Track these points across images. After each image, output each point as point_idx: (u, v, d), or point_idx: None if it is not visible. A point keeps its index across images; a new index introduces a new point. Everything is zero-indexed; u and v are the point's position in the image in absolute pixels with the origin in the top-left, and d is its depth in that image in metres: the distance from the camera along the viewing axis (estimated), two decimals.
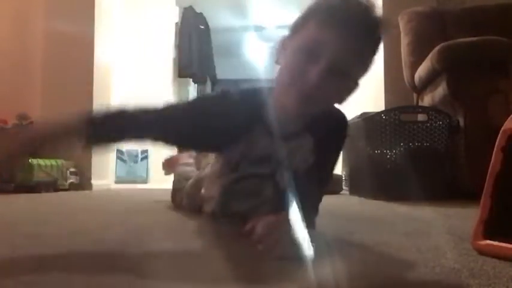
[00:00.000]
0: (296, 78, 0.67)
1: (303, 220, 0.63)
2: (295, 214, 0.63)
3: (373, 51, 0.72)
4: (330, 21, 0.65)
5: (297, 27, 0.71)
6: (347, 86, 0.71)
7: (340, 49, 0.64)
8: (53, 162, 2.52)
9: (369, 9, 0.68)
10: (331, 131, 0.78)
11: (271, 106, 0.74)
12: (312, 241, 0.57)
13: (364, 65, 0.71)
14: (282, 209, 0.66)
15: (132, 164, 3.86)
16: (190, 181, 1.19)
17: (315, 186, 0.76)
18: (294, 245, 0.56)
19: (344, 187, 2.47)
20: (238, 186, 0.82)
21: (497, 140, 0.61)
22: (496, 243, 0.59)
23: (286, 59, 0.71)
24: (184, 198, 1.22)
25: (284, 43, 0.73)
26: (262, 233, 0.58)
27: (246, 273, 0.51)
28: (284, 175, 0.78)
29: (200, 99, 0.87)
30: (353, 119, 2.22)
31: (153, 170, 3.73)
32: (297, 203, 0.69)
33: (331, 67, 0.64)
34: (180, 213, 1.21)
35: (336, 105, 0.77)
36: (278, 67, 0.73)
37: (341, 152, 0.86)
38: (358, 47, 0.66)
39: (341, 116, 0.81)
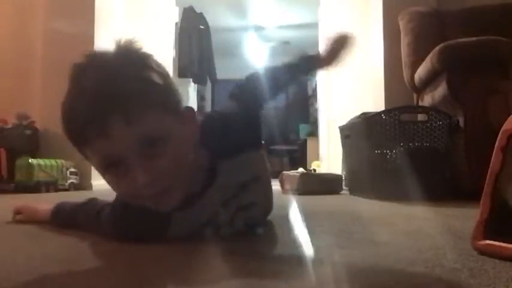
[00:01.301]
0: (136, 195, 0.59)
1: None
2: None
3: (157, 96, 0.60)
4: (85, 134, 0.58)
5: (82, 153, 0.63)
6: (173, 135, 0.59)
7: (121, 138, 0.55)
8: (53, 162, 2.52)
9: (106, 74, 0.59)
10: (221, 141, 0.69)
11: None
12: None
13: (156, 111, 0.58)
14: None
15: None
16: None
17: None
18: None
19: (344, 187, 2.48)
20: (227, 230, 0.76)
21: (497, 140, 0.61)
22: (496, 243, 0.59)
23: (109, 185, 0.61)
24: None
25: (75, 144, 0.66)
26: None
27: (245, 273, 0.51)
28: (252, 189, 0.75)
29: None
30: (353, 119, 2.22)
31: None
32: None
33: (137, 155, 0.56)
34: None
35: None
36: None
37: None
38: (131, 116, 0.55)
39: (215, 124, 0.72)
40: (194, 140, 0.65)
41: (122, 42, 0.65)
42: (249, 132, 0.74)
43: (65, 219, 0.92)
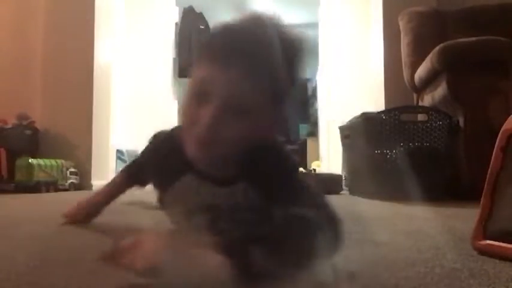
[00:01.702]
0: (190, 125, 0.60)
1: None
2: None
3: (284, 77, 0.60)
4: (217, 55, 0.58)
5: (192, 72, 0.64)
6: (259, 121, 0.60)
7: (232, 82, 0.56)
8: (53, 162, 2.52)
9: (269, 32, 0.59)
10: (272, 177, 0.65)
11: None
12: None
13: (274, 94, 0.60)
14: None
15: None
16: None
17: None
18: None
19: (344, 187, 2.48)
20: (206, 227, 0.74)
21: (497, 140, 0.61)
22: (496, 243, 0.59)
23: (182, 107, 0.64)
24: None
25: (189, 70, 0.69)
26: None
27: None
28: (247, 219, 0.69)
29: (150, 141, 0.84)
30: (353, 119, 2.22)
31: None
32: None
33: (225, 105, 0.57)
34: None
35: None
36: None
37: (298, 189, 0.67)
38: (255, 77, 0.57)
39: (283, 156, 0.69)
40: (266, 136, 0.65)
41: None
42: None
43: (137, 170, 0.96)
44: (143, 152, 0.89)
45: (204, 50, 0.63)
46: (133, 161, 1.08)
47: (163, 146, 0.75)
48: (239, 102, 0.58)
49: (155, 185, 0.77)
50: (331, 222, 0.59)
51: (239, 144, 0.61)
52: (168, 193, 0.73)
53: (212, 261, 0.47)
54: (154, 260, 0.45)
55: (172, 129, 0.77)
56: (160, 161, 0.73)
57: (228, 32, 0.62)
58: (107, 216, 1.26)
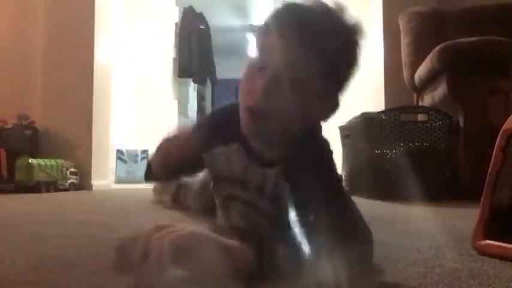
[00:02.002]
0: (246, 95, 0.62)
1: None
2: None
3: (342, 59, 0.63)
4: (276, 26, 0.60)
5: (255, 49, 0.66)
6: (312, 100, 0.61)
7: (288, 53, 0.57)
8: (53, 162, 2.52)
9: (331, 13, 0.62)
10: (311, 160, 0.65)
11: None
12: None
13: (330, 75, 0.61)
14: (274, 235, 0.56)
15: (132, 164, 3.87)
16: (199, 180, 1.15)
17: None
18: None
19: (344, 187, 2.47)
20: (225, 204, 0.78)
21: (497, 140, 0.61)
22: (496, 243, 0.59)
23: (240, 79, 0.65)
24: (190, 197, 1.20)
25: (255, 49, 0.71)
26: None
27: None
28: (269, 206, 0.70)
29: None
30: (353, 119, 2.22)
31: None
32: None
33: (279, 75, 0.57)
34: (182, 213, 1.21)
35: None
36: None
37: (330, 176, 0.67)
38: (311, 50, 0.58)
39: (320, 142, 0.69)
40: (313, 121, 0.67)
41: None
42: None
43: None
44: (201, 124, 0.86)
45: (265, 23, 0.63)
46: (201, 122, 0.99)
47: (221, 118, 0.76)
48: (293, 73, 0.58)
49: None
50: (362, 233, 0.60)
51: (289, 120, 0.61)
52: (208, 155, 0.75)
53: (238, 253, 0.47)
54: (168, 251, 0.43)
55: (232, 104, 0.75)
56: (214, 131, 0.74)
57: (291, 7, 0.63)
58: (107, 216, 1.26)
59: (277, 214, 0.69)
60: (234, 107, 0.68)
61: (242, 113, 0.63)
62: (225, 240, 0.47)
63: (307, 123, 0.65)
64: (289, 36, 0.58)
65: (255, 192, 0.70)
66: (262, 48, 0.62)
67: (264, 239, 0.52)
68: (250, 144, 0.69)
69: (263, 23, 0.64)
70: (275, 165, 0.67)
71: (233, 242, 0.48)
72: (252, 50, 0.65)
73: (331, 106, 0.67)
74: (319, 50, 0.58)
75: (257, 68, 0.61)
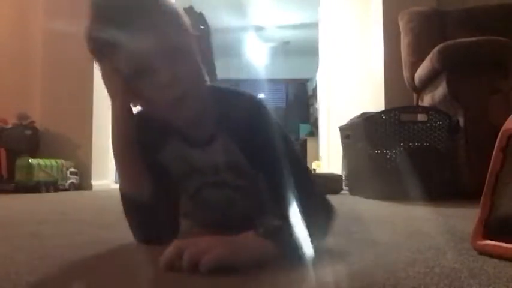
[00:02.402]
0: (160, 99, 0.63)
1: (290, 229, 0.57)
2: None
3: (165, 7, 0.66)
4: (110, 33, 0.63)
5: (98, 59, 0.71)
6: (183, 48, 0.65)
7: (143, 44, 0.60)
8: (53, 162, 2.52)
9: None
10: (243, 122, 0.68)
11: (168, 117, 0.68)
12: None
13: (169, 23, 0.64)
14: (253, 214, 0.64)
15: None
16: None
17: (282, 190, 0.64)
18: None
19: (344, 187, 2.48)
20: (199, 200, 0.78)
21: (497, 140, 0.61)
22: (496, 243, 0.59)
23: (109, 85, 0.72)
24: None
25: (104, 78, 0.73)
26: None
27: (242, 276, 0.51)
28: (237, 178, 0.74)
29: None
30: (353, 119, 2.22)
31: None
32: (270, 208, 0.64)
33: (157, 60, 0.61)
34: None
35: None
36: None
37: (274, 139, 0.69)
38: (150, 27, 0.61)
39: (247, 99, 0.71)
40: (203, 55, 0.71)
41: None
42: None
43: None
44: None
45: (98, 45, 0.67)
46: None
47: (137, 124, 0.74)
48: (162, 48, 0.61)
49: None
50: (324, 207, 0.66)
51: (193, 79, 0.65)
52: (163, 158, 0.74)
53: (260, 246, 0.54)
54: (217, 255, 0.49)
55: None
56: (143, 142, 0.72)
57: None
58: (107, 216, 1.26)
59: (246, 185, 0.74)
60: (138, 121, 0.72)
61: (168, 111, 0.64)
62: (242, 239, 0.54)
63: (202, 65, 0.69)
64: (131, 29, 0.61)
65: (215, 172, 0.73)
66: (121, 58, 0.63)
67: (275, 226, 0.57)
68: (185, 133, 0.71)
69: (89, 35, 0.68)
70: (214, 140, 0.71)
71: (249, 238, 0.55)
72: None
73: (195, 34, 0.71)
74: (156, 18, 0.62)
75: (140, 74, 0.63)
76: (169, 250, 0.51)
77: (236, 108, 0.69)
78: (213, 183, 0.75)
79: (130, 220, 0.70)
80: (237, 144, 0.70)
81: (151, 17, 0.62)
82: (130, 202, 0.69)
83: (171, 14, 0.66)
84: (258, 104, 0.70)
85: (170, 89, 0.61)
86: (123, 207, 0.70)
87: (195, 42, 0.70)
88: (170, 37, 0.62)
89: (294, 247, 0.56)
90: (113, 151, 0.72)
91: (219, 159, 0.72)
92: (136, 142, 0.70)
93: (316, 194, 0.69)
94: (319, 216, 0.64)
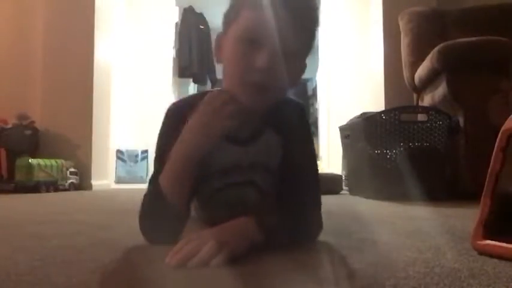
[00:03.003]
0: (245, 71, 0.63)
1: (289, 227, 0.62)
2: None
3: (314, 25, 0.69)
4: (261, 3, 0.62)
5: (230, 19, 0.67)
6: (296, 66, 0.68)
7: (280, 29, 0.62)
8: (53, 162, 2.52)
9: None
10: (292, 121, 0.74)
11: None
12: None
13: (307, 41, 0.68)
14: (268, 213, 0.65)
15: (132, 164, 3.87)
16: None
17: (300, 189, 0.71)
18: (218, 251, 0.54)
19: (344, 187, 2.47)
20: (219, 199, 0.77)
21: (497, 140, 0.61)
22: (496, 243, 0.59)
23: (228, 55, 0.67)
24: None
25: (221, 39, 0.69)
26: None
27: (243, 272, 0.51)
28: (264, 177, 0.74)
29: (160, 129, 0.75)
30: (353, 119, 2.22)
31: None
32: (284, 208, 0.67)
33: (276, 49, 0.62)
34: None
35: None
36: (222, 66, 0.69)
37: (310, 143, 0.78)
38: (297, 23, 0.63)
39: (296, 102, 0.77)
40: (294, 82, 0.70)
41: None
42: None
43: None
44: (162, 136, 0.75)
45: None
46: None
47: (181, 121, 0.68)
48: (288, 45, 0.63)
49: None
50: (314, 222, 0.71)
51: (283, 89, 0.68)
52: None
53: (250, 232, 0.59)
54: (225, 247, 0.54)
55: (186, 100, 0.74)
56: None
57: None
58: (107, 216, 1.26)
59: (269, 187, 0.75)
60: (194, 100, 0.68)
61: (244, 89, 0.64)
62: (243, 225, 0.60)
63: (288, 87, 0.71)
64: (275, 8, 0.61)
65: (249, 171, 0.74)
66: (250, 23, 0.63)
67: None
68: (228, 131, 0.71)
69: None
70: (259, 137, 0.73)
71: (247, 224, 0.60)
72: (235, 26, 0.66)
73: (302, 69, 0.72)
74: (305, 23, 0.65)
75: (249, 43, 0.63)
76: (179, 249, 0.55)
77: (285, 108, 0.73)
78: (239, 183, 0.74)
79: (149, 218, 0.67)
80: (281, 140, 0.73)
81: (309, 16, 0.66)
82: (159, 202, 0.66)
83: (317, 23, 0.69)
84: (304, 109, 0.78)
85: (265, 75, 0.62)
86: (148, 204, 0.68)
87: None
88: (308, 41, 0.68)
89: (280, 244, 0.62)
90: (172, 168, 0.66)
91: (258, 156, 0.73)
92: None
93: (319, 205, 0.74)
94: (313, 226, 0.71)
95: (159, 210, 0.66)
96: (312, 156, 0.77)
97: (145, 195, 0.69)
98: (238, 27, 0.64)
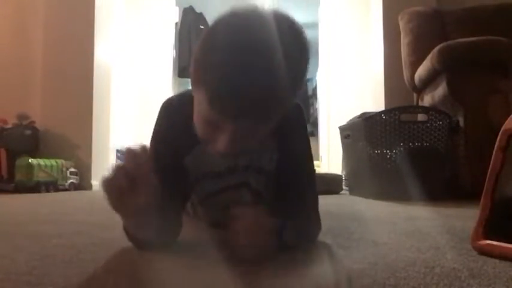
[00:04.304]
0: (208, 142, 0.61)
1: (289, 228, 0.62)
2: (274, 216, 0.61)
3: (294, 83, 0.58)
4: (220, 96, 0.54)
5: (195, 78, 0.60)
6: (277, 119, 0.61)
7: (240, 118, 0.55)
8: (53, 162, 2.52)
9: (272, 46, 0.53)
10: (287, 122, 0.68)
11: None
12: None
13: (283, 101, 0.59)
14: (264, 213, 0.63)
15: None
16: None
17: (297, 191, 0.71)
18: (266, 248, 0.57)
19: (344, 187, 2.47)
20: (213, 201, 0.77)
21: (497, 140, 0.61)
22: (496, 243, 0.59)
23: (195, 116, 0.62)
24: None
25: (193, 77, 0.61)
26: (242, 235, 0.57)
27: (243, 272, 0.51)
28: (258, 179, 0.74)
29: (155, 124, 0.76)
30: (353, 119, 2.22)
31: None
32: (281, 210, 0.66)
33: (237, 134, 0.57)
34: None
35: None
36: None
37: (306, 143, 0.78)
38: (264, 101, 0.54)
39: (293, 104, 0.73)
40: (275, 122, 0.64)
41: (291, 27, 0.58)
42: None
43: None
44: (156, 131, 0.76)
45: (205, 77, 0.56)
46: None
47: (176, 121, 0.71)
48: (253, 124, 0.57)
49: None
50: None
51: (257, 141, 0.64)
52: (189, 158, 0.72)
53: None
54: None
55: (182, 99, 0.74)
56: (175, 138, 0.71)
57: (231, 55, 0.53)
58: (107, 216, 1.26)
59: (263, 188, 0.75)
60: (183, 111, 0.66)
61: (210, 148, 0.61)
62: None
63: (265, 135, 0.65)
64: (236, 98, 0.53)
65: (243, 173, 0.74)
66: (209, 113, 0.56)
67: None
68: None
69: (202, 68, 0.57)
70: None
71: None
72: (197, 96, 0.60)
73: (290, 104, 0.65)
74: (270, 105, 0.56)
75: (210, 124, 0.58)
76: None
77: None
78: (234, 185, 0.74)
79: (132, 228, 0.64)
80: (276, 141, 0.72)
81: (266, 116, 0.58)
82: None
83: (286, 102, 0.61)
84: (300, 110, 0.77)
85: (229, 152, 0.59)
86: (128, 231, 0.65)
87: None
88: (263, 131, 0.61)
89: (289, 247, 0.62)
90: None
91: (252, 158, 0.72)
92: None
93: (316, 205, 0.74)
94: (311, 226, 0.71)
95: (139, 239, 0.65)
96: (308, 157, 0.77)
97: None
98: (201, 105, 0.58)
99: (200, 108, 0.59)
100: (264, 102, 0.54)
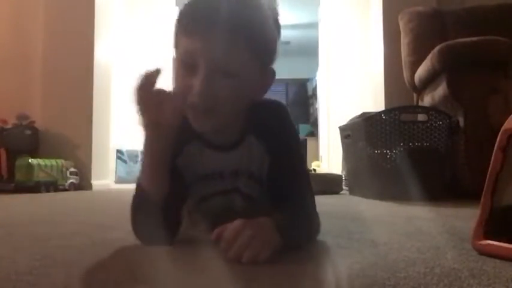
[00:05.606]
0: (185, 96, 0.62)
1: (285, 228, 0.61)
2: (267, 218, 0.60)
3: (262, 36, 0.64)
4: (193, 26, 0.62)
5: (175, 43, 0.67)
6: (252, 80, 0.65)
7: (214, 50, 0.60)
8: (53, 162, 2.52)
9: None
10: (272, 125, 0.71)
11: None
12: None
13: (255, 53, 0.63)
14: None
15: (132, 164, 3.87)
16: None
17: (291, 194, 0.70)
18: (263, 247, 0.55)
19: (344, 187, 2.47)
20: (205, 206, 0.77)
21: (497, 140, 0.61)
22: (496, 243, 0.59)
23: (174, 78, 0.67)
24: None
25: (173, 64, 0.68)
26: (229, 239, 0.55)
27: (243, 272, 0.51)
28: (249, 184, 0.73)
29: None
30: (353, 119, 2.22)
31: None
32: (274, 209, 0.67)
33: (212, 71, 0.60)
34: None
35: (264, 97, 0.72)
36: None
37: (296, 144, 0.78)
38: (234, 40, 0.60)
39: (275, 105, 0.75)
40: (258, 96, 0.70)
41: None
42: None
43: None
44: None
45: (181, 21, 0.64)
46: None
47: None
48: (225, 66, 0.61)
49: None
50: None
51: (233, 106, 0.65)
52: (181, 158, 0.72)
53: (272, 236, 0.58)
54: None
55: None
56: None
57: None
58: (107, 216, 1.26)
59: (256, 194, 0.74)
60: None
61: (189, 112, 0.64)
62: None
63: (251, 100, 0.68)
64: (209, 30, 0.60)
65: (232, 178, 0.73)
66: (186, 47, 0.63)
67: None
68: (206, 138, 0.71)
69: (179, 20, 0.65)
70: (241, 143, 0.71)
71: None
72: (177, 51, 0.66)
73: (268, 78, 0.70)
74: (242, 36, 0.60)
75: (186, 68, 0.62)
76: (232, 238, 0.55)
77: (265, 113, 0.72)
78: (224, 190, 0.74)
79: (137, 218, 0.68)
80: (264, 146, 0.71)
81: (243, 38, 0.61)
82: (144, 200, 0.67)
83: (265, 46, 0.66)
84: (285, 110, 0.75)
85: (204, 98, 0.61)
86: (134, 203, 0.68)
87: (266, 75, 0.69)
88: (239, 63, 0.62)
89: (293, 246, 0.61)
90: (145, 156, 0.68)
91: (240, 163, 0.72)
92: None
93: (314, 205, 0.73)
94: (310, 227, 0.70)
95: (144, 209, 0.67)
96: (300, 156, 0.77)
97: (133, 196, 0.69)
98: (178, 52, 0.66)
99: (177, 56, 0.65)
100: (236, 14, 0.60)
